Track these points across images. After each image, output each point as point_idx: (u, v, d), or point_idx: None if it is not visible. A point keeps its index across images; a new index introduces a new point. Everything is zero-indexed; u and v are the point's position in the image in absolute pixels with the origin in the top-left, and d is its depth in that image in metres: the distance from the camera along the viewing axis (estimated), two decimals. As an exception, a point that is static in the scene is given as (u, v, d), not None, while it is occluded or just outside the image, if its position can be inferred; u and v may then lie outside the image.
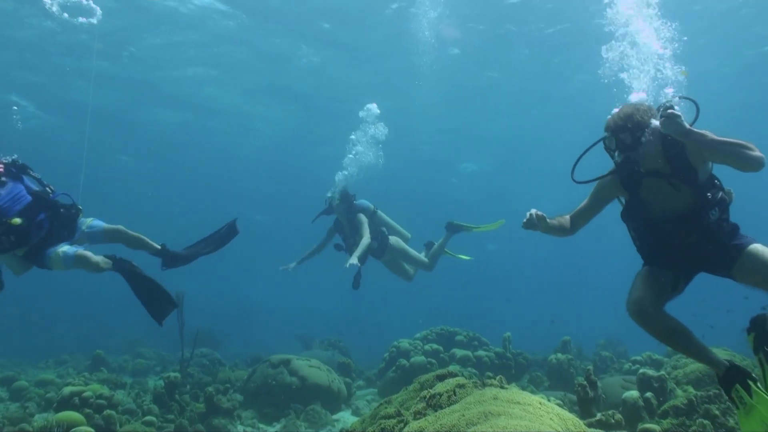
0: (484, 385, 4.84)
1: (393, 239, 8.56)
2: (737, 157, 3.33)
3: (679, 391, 6.45)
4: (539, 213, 3.79)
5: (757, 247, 3.47)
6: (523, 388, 9.59)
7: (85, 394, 7.81)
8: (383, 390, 11.02)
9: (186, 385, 10.08)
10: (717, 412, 5.35)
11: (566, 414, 4.06)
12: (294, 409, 8.89)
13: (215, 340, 17.54)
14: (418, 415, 4.54)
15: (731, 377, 3.42)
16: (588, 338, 15.23)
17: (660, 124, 3.45)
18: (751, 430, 3.26)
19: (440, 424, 3.90)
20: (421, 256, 8.87)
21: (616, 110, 3.76)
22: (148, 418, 7.96)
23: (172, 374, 8.99)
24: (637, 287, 3.61)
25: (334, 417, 9.31)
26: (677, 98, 3.75)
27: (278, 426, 8.77)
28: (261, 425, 8.88)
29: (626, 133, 3.62)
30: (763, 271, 3.38)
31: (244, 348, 19.30)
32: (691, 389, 6.51)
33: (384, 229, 8.62)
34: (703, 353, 3.51)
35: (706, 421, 5.21)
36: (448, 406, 4.45)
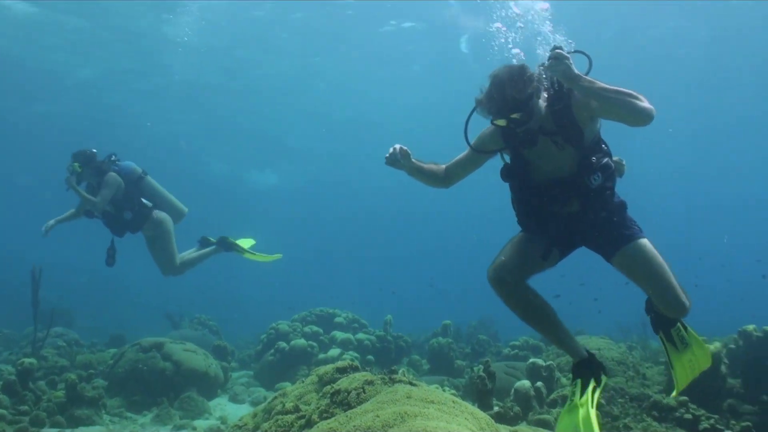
0: (393, 381, 4.67)
1: (159, 214, 7.10)
2: (626, 107, 3.04)
3: (564, 380, 6.71)
4: (403, 148, 3.48)
5: (644, 243, 3.34)
6: (404, 373, 9.65)
7: None
8: (260, 373, 10.66)
9: (40, 370, 9.07)
10: (602, 401, 5.60)
11: (479, 413, 4.02)
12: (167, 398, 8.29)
13: (69, 317, 16.07)
14: (325, 414, 4.32)
15: (577, 371, 3.37)
16: (461, 319, 15.65)
17: (547, 66, 3.11)
18: (562, 428, 3.19)
19: (353, 426, 3.69)
20: (176, 255, 7.22)
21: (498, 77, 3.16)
22: (-3, 411, 7.03)
23: (26, 360, 8.02)
24: (503, 252, 3.42)
25: (211, 403, 8.82)
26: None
27: (150, 415, 8.13)
28: (130, 414, 8.19)
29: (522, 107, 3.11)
30: (642, 269, 3.30)
31: (99, 323, 17.89)
32: (573, 377, 6.79)
33: (146, 201, 7.07)
34: (561, 338, 3.37)
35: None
36: (358, 404, 4.27)
